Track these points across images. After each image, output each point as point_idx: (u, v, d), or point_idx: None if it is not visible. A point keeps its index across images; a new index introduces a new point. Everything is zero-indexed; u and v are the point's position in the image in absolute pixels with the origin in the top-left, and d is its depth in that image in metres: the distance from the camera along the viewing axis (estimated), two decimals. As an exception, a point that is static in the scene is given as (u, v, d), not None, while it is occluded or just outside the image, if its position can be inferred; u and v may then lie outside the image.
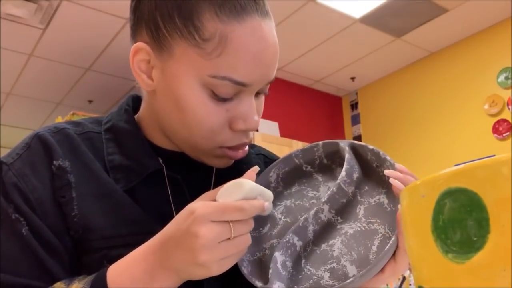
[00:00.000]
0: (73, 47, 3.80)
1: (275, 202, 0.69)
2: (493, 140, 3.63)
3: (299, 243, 0.62)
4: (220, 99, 0.60)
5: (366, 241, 0.60)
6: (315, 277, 0.59)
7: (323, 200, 0.63)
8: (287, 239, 0.61)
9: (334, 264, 0.60)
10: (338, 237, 0.62)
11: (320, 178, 0.69)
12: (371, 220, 0.62)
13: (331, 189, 0.63)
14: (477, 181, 0.29)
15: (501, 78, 3.64)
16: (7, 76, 4.19)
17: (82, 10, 3.32)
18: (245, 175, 0.60)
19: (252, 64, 0.58)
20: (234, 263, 0.54)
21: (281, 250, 0.60)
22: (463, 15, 3.57)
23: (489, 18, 3.65)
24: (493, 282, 0.28)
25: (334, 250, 0.61)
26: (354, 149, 0.66)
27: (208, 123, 0.60)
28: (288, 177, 0.71)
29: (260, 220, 0.67)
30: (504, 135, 3.57)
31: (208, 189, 0.71)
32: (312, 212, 0.62)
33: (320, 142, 0.69)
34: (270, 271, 0.58)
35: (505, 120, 3.58)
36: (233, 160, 0.68)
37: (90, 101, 4.82)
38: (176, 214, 0.66)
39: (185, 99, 0.59)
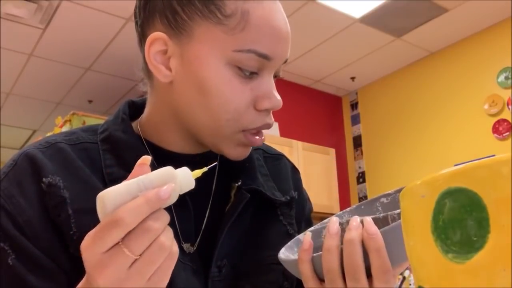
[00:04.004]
0: (73, 47, 3.80)
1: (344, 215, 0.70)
2: (493, 140, 3.62)
3: None
4: (245, 76, 0.60)
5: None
6: None
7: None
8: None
9: None
10: None
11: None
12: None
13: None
14: (477, 181, 0.29)
15: (501, 78, 3.63)
16: (7, 76, 4.19)
17: (82, 10, 3.32)
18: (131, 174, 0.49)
19: (273, 37, 0.60)
20: (169, 271, 0.45)
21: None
22: (463, 15, 3.57)
23: (489, 18, 3.65)
24: (493, 282, 0.28)
25: None
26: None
27: (234, 102, 0.60)
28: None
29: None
30: (504, 135, 3.57)
31: (208, 196, 0.69)
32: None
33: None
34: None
35: (505, 120, 3.58)
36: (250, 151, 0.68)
37: (90, 101, 4.82)
38: (180, 229, 0.63)
39: (209, 80, 0.59)
